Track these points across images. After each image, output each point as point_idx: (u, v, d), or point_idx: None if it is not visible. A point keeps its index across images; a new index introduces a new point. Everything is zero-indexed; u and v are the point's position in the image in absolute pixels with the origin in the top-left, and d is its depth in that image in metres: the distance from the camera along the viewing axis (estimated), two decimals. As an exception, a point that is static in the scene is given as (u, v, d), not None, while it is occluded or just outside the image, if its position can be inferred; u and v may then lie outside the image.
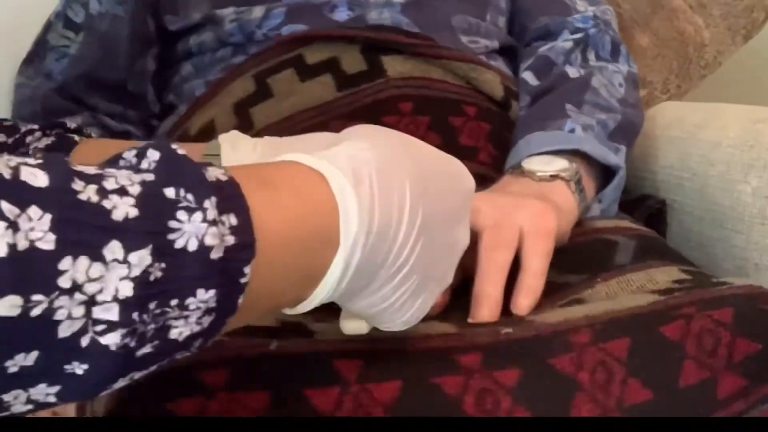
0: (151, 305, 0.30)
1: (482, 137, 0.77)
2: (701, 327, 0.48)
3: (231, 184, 0.33)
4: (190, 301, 0.31)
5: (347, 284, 0.39)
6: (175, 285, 0.30)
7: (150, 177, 0.31)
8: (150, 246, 0.30)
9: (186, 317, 0.31)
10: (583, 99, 0.78)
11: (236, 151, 0.58)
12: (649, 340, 0.48)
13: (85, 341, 0.29)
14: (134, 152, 0.33)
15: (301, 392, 0.44)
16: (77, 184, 0.29)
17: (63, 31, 0.87)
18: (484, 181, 0.73)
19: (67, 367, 0.29)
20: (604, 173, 0.74)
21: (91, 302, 0.28)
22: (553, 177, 0.68)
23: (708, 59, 1.04)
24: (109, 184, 0.30)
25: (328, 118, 0.75)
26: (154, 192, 0.31)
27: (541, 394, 0.46)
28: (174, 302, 0.31)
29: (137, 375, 0.32)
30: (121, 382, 0.32)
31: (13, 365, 0.28)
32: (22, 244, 0.27)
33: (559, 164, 0.69)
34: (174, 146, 0.33)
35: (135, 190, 0.30)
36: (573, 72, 0.82)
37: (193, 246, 0.31)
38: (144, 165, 0.32)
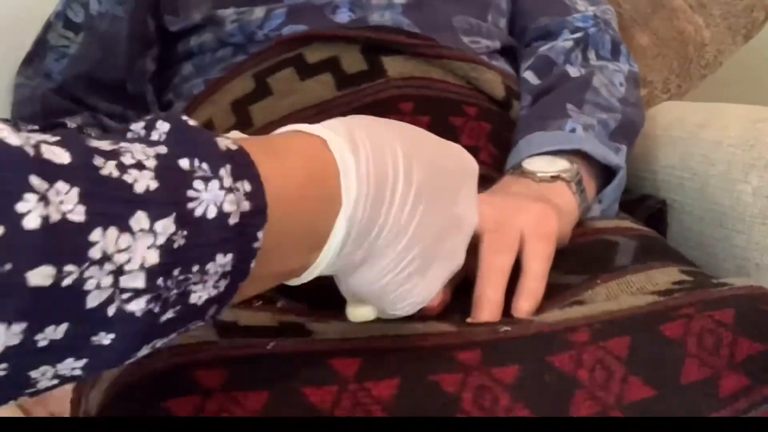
0: (175, 272, 0.31)
1: (483, 137, 0.77)
2: (702, 327, 0.48)
3: (241, 153, 0.35)
4: (210, 266, 0.32)
5: (348, 250, 0.40)
6: (197, 251, 0.32)
7: (163, 149, 0.32)
8: (173, 214, 0.31)
9: (205, 282, 0.33)
10: (583, 98, 0.77)
11: None
12: (649, 339, 0.48)
13: (111, 310, 0.30)
14: (142, 124, 0.34)
15: (298, 391, 0.44)
16: (98, 160, 0.30)
17: (63, 31, 0.87)
18: (484, 181, 0.73)
19: (94, 338, 0.30)
20: (605, 173, 0.74)
21: (119, 272, 0.29)
22: (554, 178, 0.68)
23: (708, 59, 1.04)
24: (127, 159, 0.31)
25: (328, 117, 0.75)
26: (169, 164, 0.32)
27: (539, 391, 0.46)
28: (196, 268, 0.32)
29: (159, 342, 0.33)
30: (144, 350, 0.33)
31: (43, 339, 0.28)
32: (54, 217, 0.28)
33: (560, 165, 0.69)
34: (184, 117, 0.34)
35: (151, 163, 0.31)
36: (574, 71, 0.82)
37: (212, 213, 0.32)
38: (154, 137, 0.33)
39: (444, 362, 0.47)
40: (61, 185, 0.28)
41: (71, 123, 0.70)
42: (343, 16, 0.81)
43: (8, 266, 0.27)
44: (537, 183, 0.68)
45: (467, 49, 0.82)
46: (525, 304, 0.56)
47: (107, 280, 0.29)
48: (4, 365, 0.28)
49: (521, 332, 0.49)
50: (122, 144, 0.32)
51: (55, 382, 0.31)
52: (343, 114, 0.74)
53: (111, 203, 0.29)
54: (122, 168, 0.30)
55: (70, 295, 0.28)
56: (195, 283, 0.32)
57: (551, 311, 0.54)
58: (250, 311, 0.54)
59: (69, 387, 0.65)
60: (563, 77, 0.82)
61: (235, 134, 0.61)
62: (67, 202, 0.28)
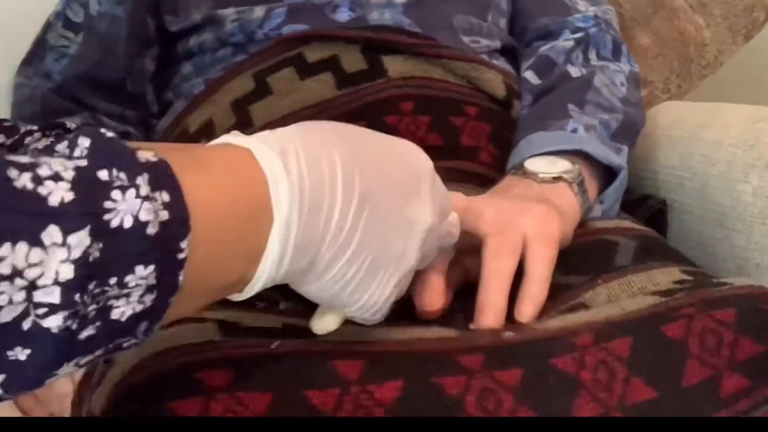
0: (91, 285, 0.31)
1: (483, 137, 0.77)
2: (703, 327, 0.48)
3: (161, 164, 0.34)
4: (130, 279, 0.32)
5: (290, 262, 0.39)
6: (113, 263, 0.31)
7: (83, 162, 0.32)
8: (88, 227, 0.30)
9: (127, 296, 0.32)
10: (585, 99, 0.77)
11: None
12: (650, 339, 0.48)
13: (26, 325, 0.29)
14: (66, 143, 0.33)
15: (301, 393, 0.44)
16: (12, 173, 0.29)
17: (62, 31, 0.87)
18: (485, 181, 0.73)
19: (9, 353, 0.29)
20: (606, 173, 0.74)
21: (31, 287, 0.29)
22: (556, 179, 0.67)
23: (709, 59, 1.04)
24: (44, 171, 0.30)
25: (328, 117, 0.75)
26: (88, 175, 0.31)
27: (543, 393, 0.46)
28: (113, 280, 0.31)
29: (82, 360, 0.32)
30: (67, 368, 0.32)
31: None
32: None
33: (562, 166, 0.69)
34: (102, 130, 0.34)
35: (69, 174, 0.31)
36: (575, 71, 0.82)
37: (128, 223, 0.31)
38: (76, 153, 0.33)
39: (447, 365, 0.47)
40: None
41: (71, 123, 0.70)
42: (343, 15, 0.81)
43: None
44: (539, 184, 0.67)
45: (467, 49, 0.82)
46: (527, 308, 0.56)
47: (19, 296, 0.28)
48: None
49: (524, 337, 0.49)
50: (42, 158, 0.31)
51: None
52: (343, 114, 0.75)
53: (22, 216, 0.29)
54: (37, 180, 0.30)
55: None
56: (115, 297, 0.32)
57: (554, 318, 0.54)
58: (253, 312, 0.54)
59: (69, 388, 0.65)
60: (564, 77, 0.82)
61: (235, 135, 0.61)
62: None
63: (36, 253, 0.29)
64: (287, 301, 0.57)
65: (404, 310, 0.57)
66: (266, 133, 0.41)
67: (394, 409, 0.44)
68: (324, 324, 0.48)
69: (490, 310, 0.55)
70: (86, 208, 0.30)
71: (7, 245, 0.28)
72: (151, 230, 0.32)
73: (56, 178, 0.30)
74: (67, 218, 0.30)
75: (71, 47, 0.87)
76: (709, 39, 1.03)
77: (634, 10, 1.04)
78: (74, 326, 0.30)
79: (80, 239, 0.30)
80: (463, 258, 0.58)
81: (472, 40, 0.83)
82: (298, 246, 0.39)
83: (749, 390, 0.46)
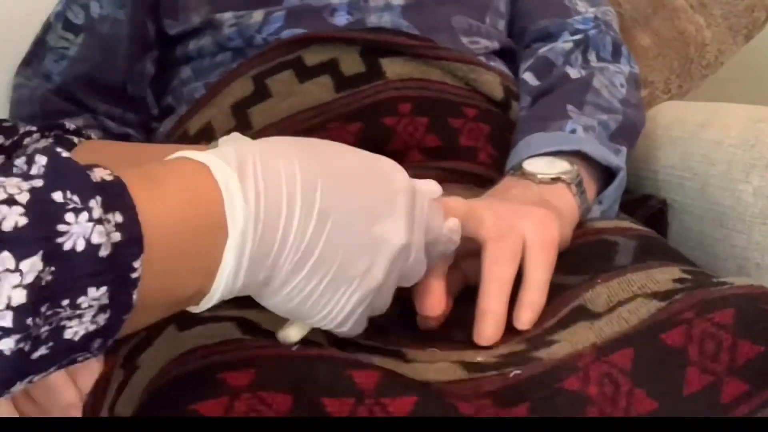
0: (44, 308, 0.31)
1: (482, 138, 0.77)
2: (702, 331, 0.48)
3: (116, 184, 0.35)
4: (82, 300, 0.32)
5: (247, 275, 0.40)
6: (65, 286, 0.32)
7: (39, 183, 0.32)
8: (40, 252, 0.31)
9: (80, 316, 0.33)
10: (584, 100, 0.77)
11: None
12: (651, 349, 0.48)
13: None
14: (24, 159, 0.34)
15: (318, 399, 0.44)
16: None
17: (62, 32, 0.87)
18: (483, 181, 0.73)
19: None
20: (605, 174, 0.74)
21: None
22: (555, 179, 0.67)
23: (709, 59, 1.04)
24: None
25: (327, 119, 0.75)
26: (42, 197, 0.32)
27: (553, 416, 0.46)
28: (65, 302, 0.32)
29: (36, 377, 0.33)
30: (20, 386, 0.32)
31: None
32: None
33: (561, 166, 0.69)
34: (59, 150, 0.34)
35: (23, 198, 0.31)
36: (574, 73, 0.82)
37: (80, 246, 0.32)
38: (33, 170, 0.33)
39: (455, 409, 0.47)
40: None
41: (71, 124, 0.70)
42: (341, 19, 0.81)
43: None
44: (537, 184, 0.67)
45: (466, 50, 0.82)
46: (526, 315, 0.56)
47: None
48: None
49: (531, 372, 0.49)
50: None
51: None
52: (342, 116, 0.75)
53: None
54: None
55: None
56: (68, 318, 0.32)
57: (554, 325, 0.54)
58: (271, 313, 0.54)
59: (74, 398, 0.65)
60: (563, 78, 0.81)
61: (235, 136, 0.61)
62: None
63: None
64: None
65: (404, 321, 0.57)
66: (227, 146, 0.41)
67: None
68: (287, 334, 0.48)
69: (491, 318, 0.55)
70: (39, 232, 0.31)
71: None
72: (103, 252, 0.32)
73: (10, 202, 0.31)
74: (20, 244, 0.30)
75: (71, 49, 0.87)
76: (709, 39, 1.03)
77: (635, 11, 1.04)
78: (27, 348, 0.31)
79: (33, 264, 0.30)
80: (462, 262, 0.58)
81: (471, 41, 0.83)
82: (254, 259, 0.40)
83: (749, 395, 0.46)
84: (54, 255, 0.31)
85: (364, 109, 0.75)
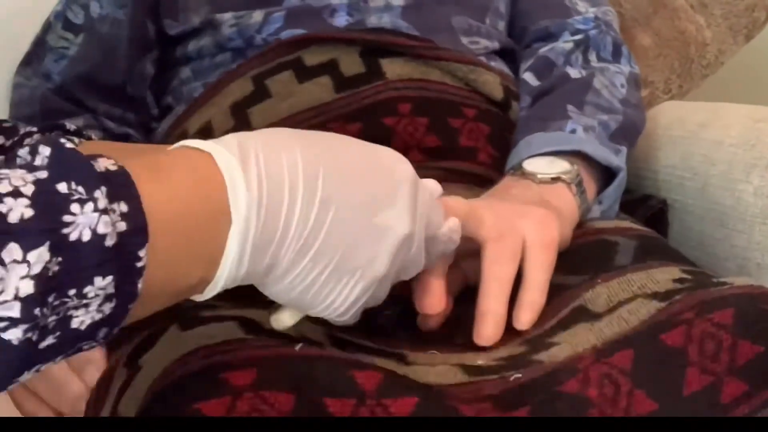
0: (51, 298, 0.32)
1: (482, 138, 0.77)
2: (702, 331, 0.48)
3: (120, 173, 0.35)
4: (89, 290, 0.33)
5: (250, 262, 0.40)
6: (72, 276, 0.32)
7: (43, 174, 0.33)
8: (47, 243, 0.31)
9: (86, 306, 0.33)
10: (584, 100, 0.77)
11: None
12: (651, 350, 0.48)
13: None
14: (27, 149, 0.34)
15: (320, 400, 0.45)
16: None
17: (62, 32, 0.87)
18: (483, 181, 0.73)
19: None
20: (605, 174, 0.74)
21: None
22: (555, 179, 0.67)
23: (710, 59, 1.04)
24: (3, 187, 0.31)
25: (326, 119, 0.75)
26: (47, 189, 0.32)
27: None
28: (72, 292, 0.32)
29: (43, 366, 0.33)
30: (27, 375, 0.33)
31: None
32: None
33: (561, 166, 0.69)
34: (63, 140, 0.35)
35: (28, 189, 0.32)
36: (574, 73, 0.82)
37: (87, 236, 0.32)
38: (37, 161, 0.34)
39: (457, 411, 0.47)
40: None
41: (71, 125, 0.70)
42: (341, 20, 0.81)
43: None
44: (537, 184, 0.67)
45: (466, 51, 0.82)
46: (525, 315, 0.56)
47: None
48: None
49: (531, 376, 0.49)
50: (2, 171, 0.32)
51: None
52: (342, 116, 0.75)
53: None
54: None
55: None
56: (75, 308, 0.33)
57: (554, 326, 0.54)
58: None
59: (83, 390, 0.65)
60: (563, 78, 0.81)
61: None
62: None
63: None
64: None
65: (405, 322, 0.57)
66: (229, 136, 0.41)
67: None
68: (280, 320, 0.48)
69: (490, 318, 0.55)
70: (45, 224, 0.31)
71: None
72: (109, 242, 0.33)
73: (16, 194, 0.31)
74: (27, 235, 0.31)
75: (71, 48, 0.87)
76: (709, 39, 1.03)
77: (635, 10, 1.04)
78: (35, 338, 0.31)
79: (40, 255, 0.31)
80: (462, 262, 0.58)
81: (471, 41, 0.83)
82: (257, 246, 0.40)
83: (749, 395, 0.46)
84: (60, 246, 0.31)
85: (364, 110, 0.75)
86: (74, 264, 0.32)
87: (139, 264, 0.34)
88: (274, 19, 0.81)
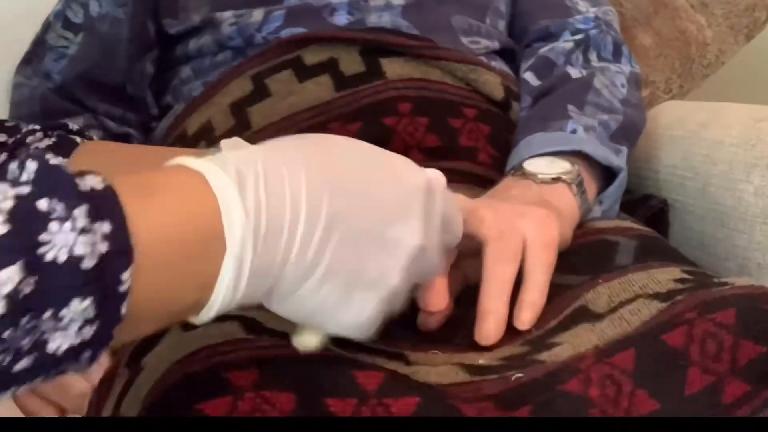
0: (24, 320, 0.30)
1: (482, 138, 0.77)
2: (704, 331, 0.48)
3: (106, 192, 0.33)
4: (65, 312, 0.31)
5: (248, 286, 0.39)
6: (47, 297, 0.31)
7: (26, 189, 0.31)
8: (19, 262, 0.30)
9: (63, 329, 0.31)
10: (585, 100, 0.77)
11: None
12: (652, 350, 0.48)
13: None
14: (17, 163, 0.33)
15: (321, 400, 0.44)
16: None
17: (62, 31, 0.87)
18: (483, 181, 0.73)
19: None
20: (606, 174, 0.74)
21: None
22: (555, 179, 0.67)
23: (710, 58, 1.04)
24: None
25: (326, 119, 0.75)
26: (26, 206, 0.31)
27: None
28: (47, 315, 0.31)
29: (19, 389, 0.32)
30: (2, 396, 0.32)
31: None
32: None
33: (561, 166, 0.69)
34: (48, 156, 0.33)
35: (7, 205, 0.30)
36: (575, 72, 0.82)
37: (63, 257, 0.31)
38: (24, 177, 0.33)
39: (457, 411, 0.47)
40: None
41: (73, 124, 0.70)
42: (341, 19, 0.81)
43: None
44: (537, 184, 0.67)
45: (466, 50, 0.82)
46: (526, 315, 0.55)
47: None
48: None
49: (532, 376, 0.49)
50: None
51: None
52: (342, 116, 0.75)
53: None
54: None
55: None
56: (51, 330, 0.31)
57: (556, 327, 0.54)
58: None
59: (87, 387, 0.65)
60: (564, 78, 0.81)
61: (236, 141, 0.61)
62: None
63: None
64: None
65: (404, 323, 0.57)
66: (228, 153, 0.40)
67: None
68: (304, 341, 0.47)
69: (492, 318, 0.55)
70: (20, 242, 0.30)
71: None
72: (87, 264, 0.31)
73: None
74: (1, 252, 0.29)
75: (71, 48, 0.87)
76: (710, 39, 1.03)
77: (636, 10, 1.04)
78: (7, 360, 0.30)
79: (12, 274, 0.29)
80: (462, 262, 0.58)
81: (472, 41, 0.83)
82: (255, 270, 0.39)
83: (750, 395, 0.46)
84: (35, 265, 0.30)
85: (364, 109, 0.75)
86: (49, 285, 0.31)
87: (122, 288, 0.33)
88: (274, 17, 0.81)
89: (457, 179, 0.73)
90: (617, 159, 0.73)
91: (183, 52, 0.85)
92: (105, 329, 0.33)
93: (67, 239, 0.31)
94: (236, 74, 0.80)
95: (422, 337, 0.56)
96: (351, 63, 0.78)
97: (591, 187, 0.71)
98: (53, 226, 0.31)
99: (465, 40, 0.83)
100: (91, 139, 0.69)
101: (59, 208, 0.32)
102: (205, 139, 0.78)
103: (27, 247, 0.30)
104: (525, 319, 0.55)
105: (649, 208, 0.82)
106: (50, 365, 0.32)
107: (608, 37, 0.86)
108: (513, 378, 0.49)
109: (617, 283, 0.56)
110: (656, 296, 0.53)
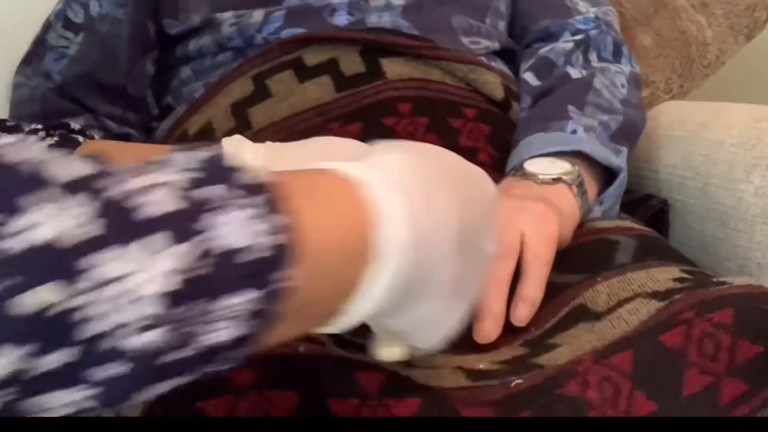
0: (191, 304, 0.29)
1: (482, 138, 0.77)
2: (702, 331, 0.48)
3: (276, 187, 0.32)
4: (230, 303, 0.30)
5: (389, 298, 0.37)
6: (219, 283, 0.29)
7: (193, 176, 0.30)
8: (191, 241, 0.29)
9: (229, 319, 0.30)
10: (585, 100, 0.77)
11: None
12: (650, 350, 0.48)
13: (123, 340, 0.27)
14: (180, 155, 0.32)
15: (323, 400, 0.44)
16: (122, 176, 0.29)
17: (62, 31, 0.87)
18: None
19: (107, 365, 0.28)
20: (606, 174, 0.74)
21: (132, 295, 0.27)
22: (556, 180, 0.68)
23: (710, 58, 1.04)
24: (151, 180, 0.29)
25: (327, 119, 0.75)
26: (196, 191, 0.30)
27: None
28: (213, 302, 0.29)
29: (176, 381, 0.31)
30: (161, 387, 0.30)
31: (51, 362, 0.26)
32: (64, 233, 0.26)
33: (562, 167, 0.69)
34: (219, 147, 0.33)
35: (176, 187, 0.29)
36: (575, 73, 0.82)
37: (239, 243, 0.30)
38: (189, 165, 0.31)
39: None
40: (80, 198, 0.27)
41: (74, 124, 0.70)
42: (341, 19, 0.81)
43: (19, 278, 0.25)
44: (538, 185, 0.67)
45: (466, 50, 0.82)
46: (523, 311, 0.56)
47: (119, 303, 0.27)
48: (12, 389, 0.26)
49: (532, 382, 0.49)
50: (149, 166, 0.30)
51: (69, 410, 0.28)
52: (342, 116, 0.75)
53: (128, 222, 0.27)
54: (145, 188, 0.29)
55: (79, 317, 0.26)
56: (214, 321, 0.30)
57: (554, 326, 0.54)
58: None
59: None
60: (564, 78, 0.81)
61: (238, 138, 0.61)
62: (79, 219, 0.26)
63: (141, 261, 0.27)
64: None
65: None
66: (383, 163, 0.39)
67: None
68: (392, 351, 0.46)
69: (489, 315, 0.55)
70: (193, 223, 0.29)
71: (115, 248, 0.27)
72: (260, 254, 0.30)
73: (161, 189, 0.29)
74: (175, 228, 0.28)
75: (71, 48, 0.87)
76: (710, 39, 1.03)
77: (636, 10, 1.04)
78: (170, 343, 0.29)
79: (182, 252, 0.28)
80: None
81: (472, 41, 0.83)
82: (400, 286, 0.37)
83: (748, 395, 0.46)
84: (207, 250, 0.29)
85: (364, 110, 0.75)
86: (222, 270, 0.29)
87: (286, 284, 0.31)
88: (275, 18, 0.81)
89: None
90: (617, 159, 0.73)
91: (183, 52, 0.85)
92: (261, 326, 0.31)
93: (242, 227, 0.30)
94: (237, 75, 0.80)
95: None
96: (351, 63, 0.78)
97: (591, 187, 0.71)
98: (223, 213, 0.30)
99: (465, 40, 0.83)
100: (92, 138, 0.69)
101: (235, 195, 0.30)
102: (206, 140, 0.78)
103: (199, 231, 0.29)
104: (522, 315, 0.56)
105: (649, 208, 0.82)
106: (204, 359, 0.30)
107: (608, 37, 0.86)
108: (513, 384, 0.49)
109: (616, 282, 0.56)
110: (655, 295, 0.53)
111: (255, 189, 0.31)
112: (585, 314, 0.54)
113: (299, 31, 0.80)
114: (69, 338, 0.27)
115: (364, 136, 0.75)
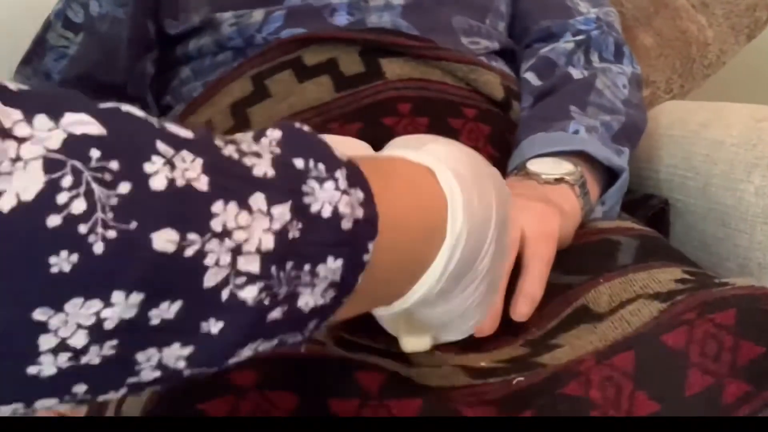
0: (288, 265, 0.30)
1: (482, 138, 0.77)
2: (704, 332, 0.48)
3: (354, 163, 0.34)
4: (321, 269, 0.31)
5: (445, 284, 0.38)
6: (309, 248, 0.31)
7: (276, 150, 0.32)
8: (290, 202, 0.30)
9: (314, 286, 0.31)
10: (587, 100, 0.77)
11: None
12: (652, 351, 0.48)
13: (225, 294, 0.28)
14: (250, 134, 0.33)
15: (323, 400, 0.45)
16: (218, 142, 0.30)
17: (62, 31, 0.87)
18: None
19: (204, 324, 0.29)
20: (607, 175, 0.74)
21: (237, 251, 0.28)
22: (558, 180, 0.68)
23: (711, 58, 1.04)
24: (244, 147, 0.30)
25: (326, 119, 0.75)
26: (284, 160, 0.31)
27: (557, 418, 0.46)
28: (307, 266, 0.31)
29: (262, 346, 0.31)
30: (247, 350, 0.31)
31: (156, 316, 0.27)
32: (180, 182, 0.27)
33: (564, 167, 0.69)
34: (297, 124, 0.34)
35: (267, 155, 0.31)
36: (576, 73, 0.82)
37: (327, 212, 0.31)
38: (264, 143, 0.32)
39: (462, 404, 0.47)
40: (186, 153, 0.28)
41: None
42: (341, 19, 0.81)
43: (134, 224, 0.26)
44: (541, 185, 0.67)
45: (466, 51, 0.82)
46: (522, 307, 0.56)
47: (225, 258, 0.28)
48: (114, 341, 0.27)
49: (533, 380, 0.49)
50: (237, 137, 0.31)
51: (157, 374, 0.29)
52: (342, 116, 0.75)
53: (232, 179, 0.29)
54: (241, 152, 0.30)
55: (190, 269, 0.27)
56: (305, 285, 0.31)
57: (556, 326, 0.54)
58: None
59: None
60: (566, 79, 0.81)
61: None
62: (192, 170, 0.28)
63: (243, 217, 0.29)
64: None
65: None
66: (438, 153, 0.40)
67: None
68: (419, 343, 0.46)
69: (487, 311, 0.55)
70: (288, 185, 0.30)
71: (220, 202, 0.28)
72: (346, 224, 0.32)
73: (257, 155, 0.30)
74: (272, 189, 0.30)
75: (71, 47, 0.87)
76: (711, 39, 1.03)
77: (636, 10, 1.04)
78: (266, 302, 0.30)
79: (282, 212, 0.30)
80: None
81: (472, 41, 0.83)
82: (456, 271, 0.38)
83: (750, 395, 0.46)
84: (301, 212, 0.30)
85: (364, 110, 0.75)
86: (313, 235, 0.31)
87: (366, 257, 0.33)
88: (275, 18, 0.81)
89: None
90: (619, 160, 0.73)
91: (183, 52, 0.85)
92: (339, 296, 0.33)
93: (332, 197, 0.31)
94: (236, 75, 0.80)
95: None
96: (351, 63, 0.78)
97: (593, 187, 0.71)
98: (313, 182, 0.31)
99: (465, 40, 0.83)
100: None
101: (320, 167, 0.32)
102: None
103: (294, 192, 0.30)
104: (521, 311, 0.56)
105: (650, 208, 0.82)
106: (293, 323, 0.32)
107: (610, 38, 0.86)
108: (514, 382, 0.49)
109: (618, 283, 0.56)
110: (657, 296, 0.53)
111: (336, 162, 0.33)
112: (587, 315, 0.54)
113: (299, 31, 0.80)
114: (190, 285, 0.28)
115: (364, 136, 0.74)
